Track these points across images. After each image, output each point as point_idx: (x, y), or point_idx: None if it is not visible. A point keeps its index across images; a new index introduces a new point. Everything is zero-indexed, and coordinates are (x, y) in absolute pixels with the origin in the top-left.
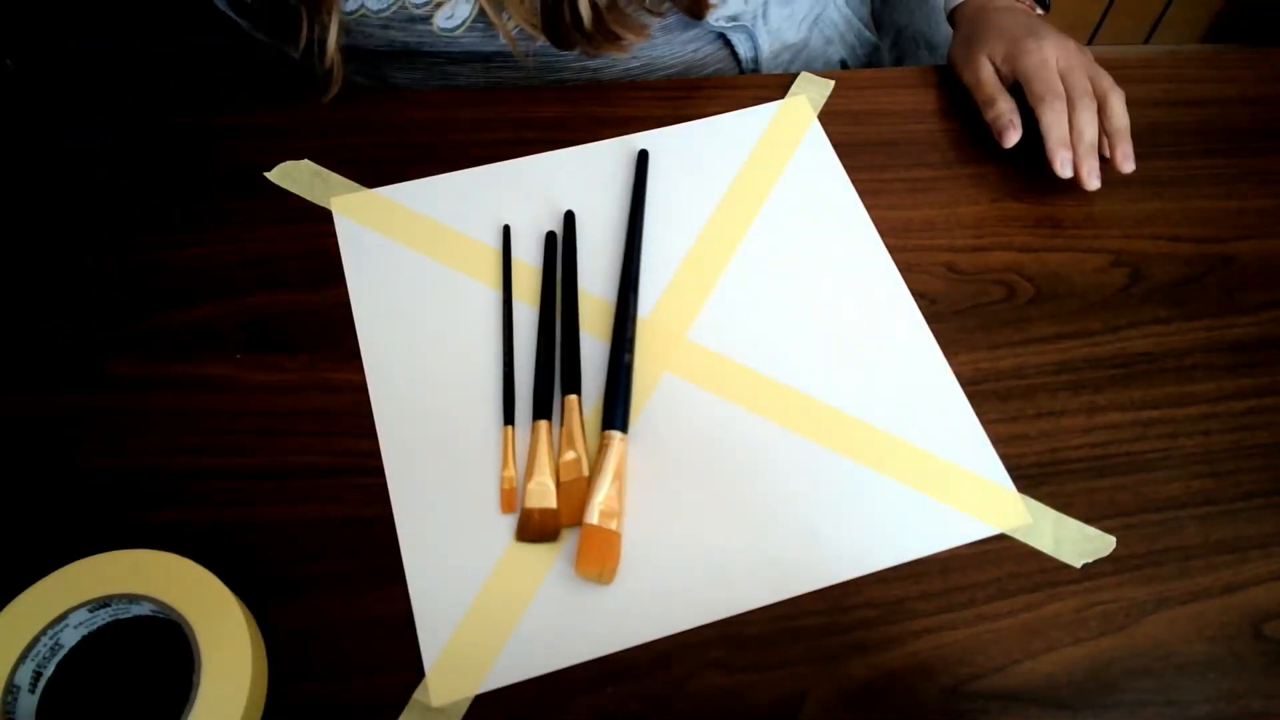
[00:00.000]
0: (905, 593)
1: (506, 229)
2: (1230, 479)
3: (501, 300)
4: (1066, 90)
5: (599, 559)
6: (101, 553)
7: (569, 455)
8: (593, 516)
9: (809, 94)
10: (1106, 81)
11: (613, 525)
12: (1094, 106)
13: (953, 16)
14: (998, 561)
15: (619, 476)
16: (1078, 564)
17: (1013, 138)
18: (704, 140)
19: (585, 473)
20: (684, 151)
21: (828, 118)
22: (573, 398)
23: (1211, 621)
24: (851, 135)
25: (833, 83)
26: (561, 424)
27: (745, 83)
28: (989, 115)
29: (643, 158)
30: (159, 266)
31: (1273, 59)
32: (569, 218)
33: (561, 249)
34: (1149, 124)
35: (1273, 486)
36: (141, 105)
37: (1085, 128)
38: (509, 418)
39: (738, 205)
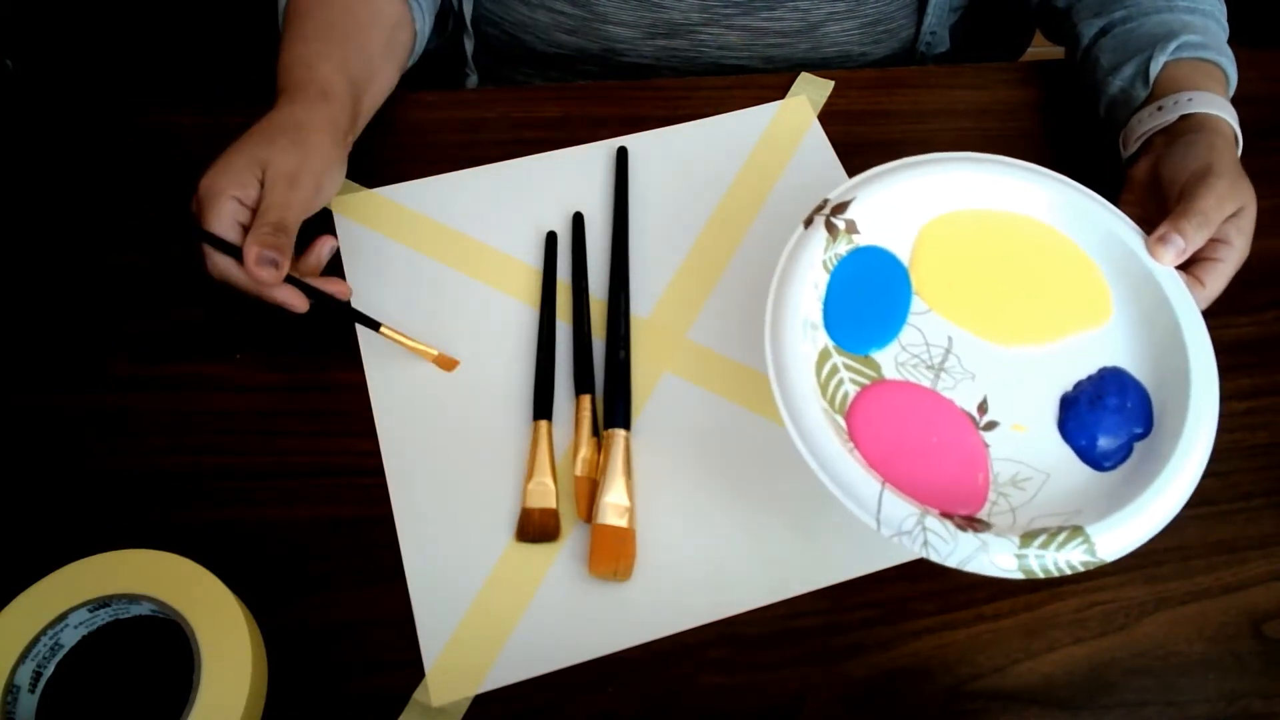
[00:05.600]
0: (905, 593)
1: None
2: (1230, 479)
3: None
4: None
5: (612, 557)
6: (101, 553)
7: (585, 452)
8: (603, 515)
9: (809, 94)
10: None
11: (624, 522)
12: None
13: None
14: None
15: (628, 473)
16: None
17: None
18: (704, 140)
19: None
20: (684, 152)
21: (828, 118)
22: (585, 397)
23: (1211, 621)
24: (851, 135)
25: (832, 83)
26: (576, 423)
27: (745, 83)
28: (1176, 239)
29: (622, 155)
30: (159, 267)
31: (1273, 59)
32: (578, 219)
33: (572, 251)
34: None
35: (1273, 486)
36: (142, 105)
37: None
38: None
39: (738, 205)
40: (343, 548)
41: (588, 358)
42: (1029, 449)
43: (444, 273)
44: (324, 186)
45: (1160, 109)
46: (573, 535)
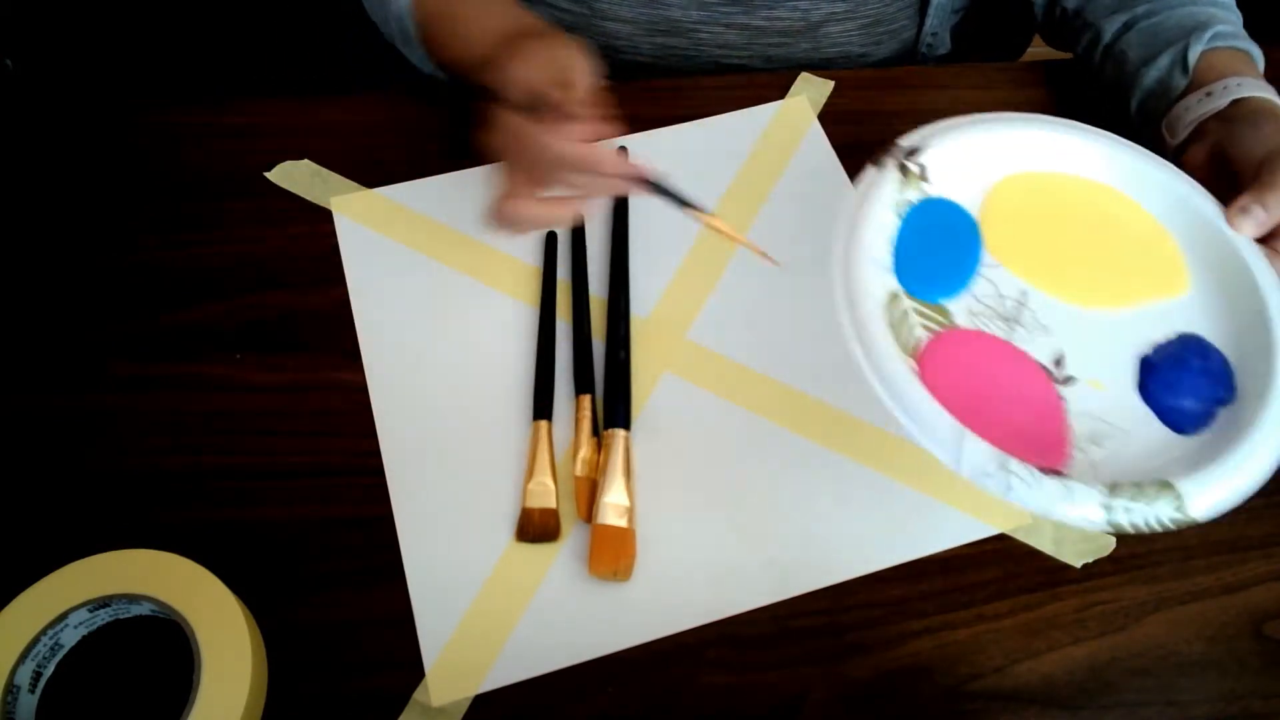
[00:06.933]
0: (905, 593)
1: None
2: None
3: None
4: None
5: (612, 557)
6: (101, 553)
7: (584, 453)
8: (603, 515)
9: (809, 94)
10: None
11: (624, 522)
12: None
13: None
14: (998, 561)
15: (628, 473)
16: (1078, 564)
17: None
18: (704, 141)
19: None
20: (684, 152)
21: (828, 118)
22: (585, 397)
23: (1211, 621)
24: (851, 135)
25: (832, 83)
26: (576, 423)
27: (745, 83)
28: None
29: (621, 155)
30: (159, 266)
31: (1273, 59)
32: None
33: (571, 251)
34: None
35: (1273, 486)
36: (142, 104)
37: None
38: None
39: (738, 205)
40: (343, 548)
41: (588, 358)
42: (1108, 406)
43: (444, 273)
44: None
45: (1209, 95)
46: (573, 535)
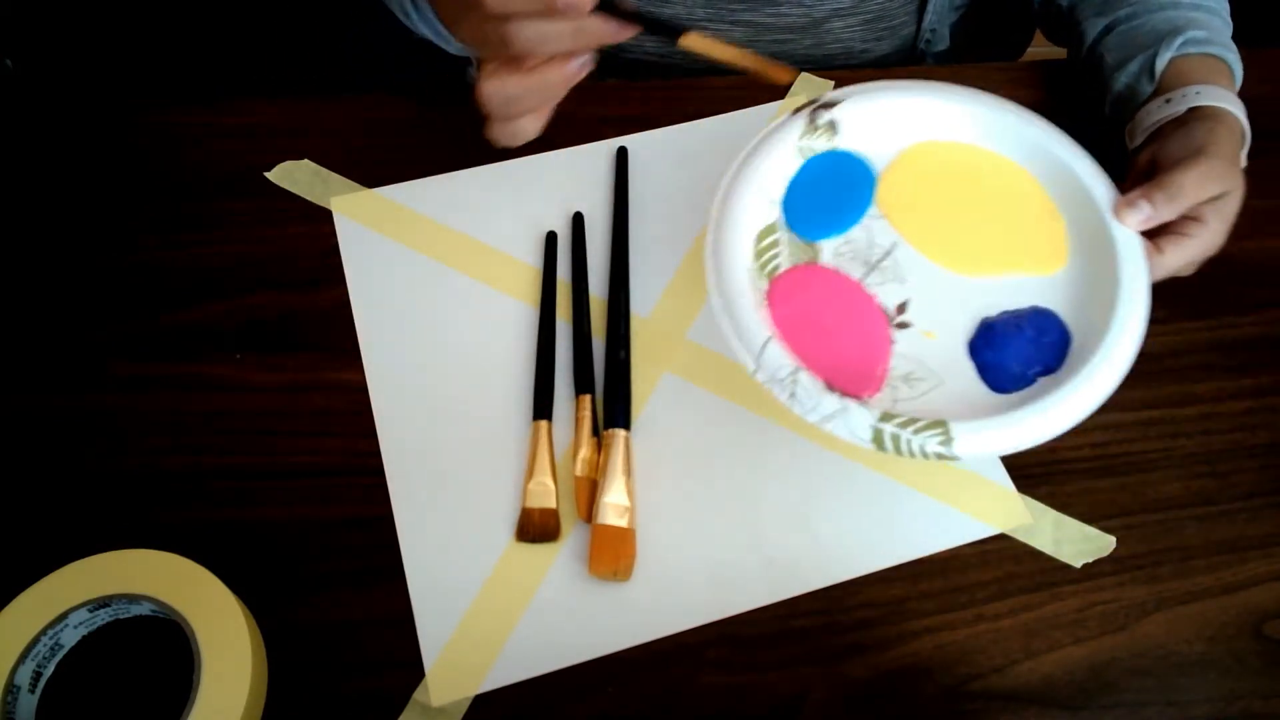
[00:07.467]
0: (905, 593)
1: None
2: (1230, 479)
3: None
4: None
5: (612, 557)
6: (101, 553)
7: (585, 452)
8: (603, 515)
9: (808, 94)
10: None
11: (624, 522)
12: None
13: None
14: (998, 561)
15: (628, 473)
16: (1078, 564)
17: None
18: (704, 140)
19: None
20: (684, 152)
21: None
22: (585, 397)
23: (1211, 621)
24: None
25: (831, 83)
26: (576, 423)
27: (745, 83)
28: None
29: (622, 155)
30: (159, 266)
31: (1273, 59)
32: (578, 219)
33: (571, 250)
34: None
35: (1273, 486)
36: (142, 104)
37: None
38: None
39: None
40: (343, 548)
41: (588, 358)
42: (932, 353)
43: (444, 273)
44: None
45: (1168, 101)
46: (573, 535)
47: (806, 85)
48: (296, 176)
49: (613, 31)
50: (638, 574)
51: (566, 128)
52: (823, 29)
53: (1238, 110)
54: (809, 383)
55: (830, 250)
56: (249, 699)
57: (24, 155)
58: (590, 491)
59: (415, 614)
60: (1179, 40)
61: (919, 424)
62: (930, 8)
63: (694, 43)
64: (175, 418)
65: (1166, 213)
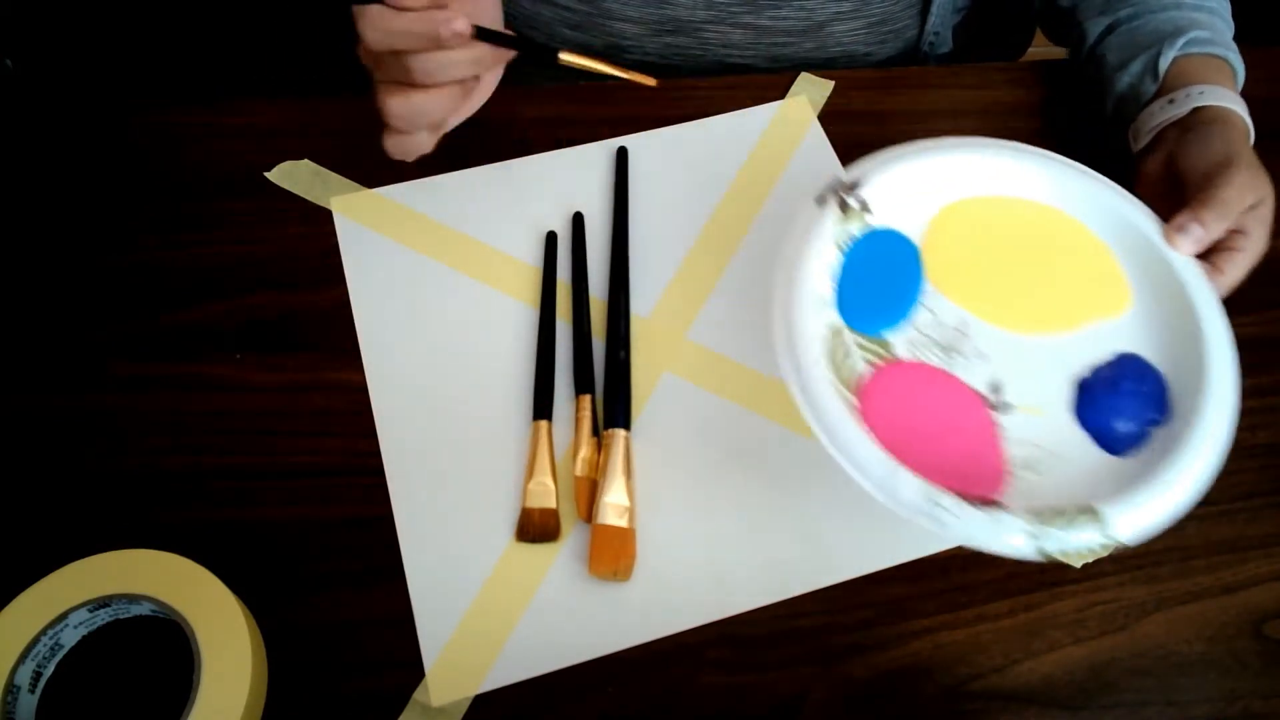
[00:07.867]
0: (905, 593)
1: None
2: (1230, 479)
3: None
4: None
5: (612, 557)
6: (101, 553)
7: (585, 452)
8: (603, 515)
9: (809, 94)
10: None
11: (624, 522)
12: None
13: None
14: (998, 561)
15: (628, 473)
16: (1078, 564)
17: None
18: (704, 140)
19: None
20: (684, 152)
21: (828, 118)
22: (585, 397)
23: (1211, 621)
24: (852, 135)
25: (832, 83)
26: (576, 423)
27: (746, 83)
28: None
29: (622, 155)
30: (159, 266)
31: (1273, 59)
32: (578, 219)
33: (571, 250)
34: None
35: (1273, 486)
36: (142, 104)
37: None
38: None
39: (738, 205)
40: (343, 548)
41: (588, 358)
42: (1044, 431)
43: (444, 273)
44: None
45: (1171, 102)
46: (573, 535)
47: (807, 85)
48: (296, 176)
49: (491, 56)
50: (638, 574)
51: (567, 128)
52: (824, 32)
53: (1242, 110)
54: (953, 505)
55: (903, 342)
56: (249, 699)
57: (24, 155)
58: (590, 491)
59: (415, 614)
60: (1182, 40)
61: (1070, 519)
62: (934, 10)
63: (570, 59)
64: (175, 418)
65: (1217, 230)
